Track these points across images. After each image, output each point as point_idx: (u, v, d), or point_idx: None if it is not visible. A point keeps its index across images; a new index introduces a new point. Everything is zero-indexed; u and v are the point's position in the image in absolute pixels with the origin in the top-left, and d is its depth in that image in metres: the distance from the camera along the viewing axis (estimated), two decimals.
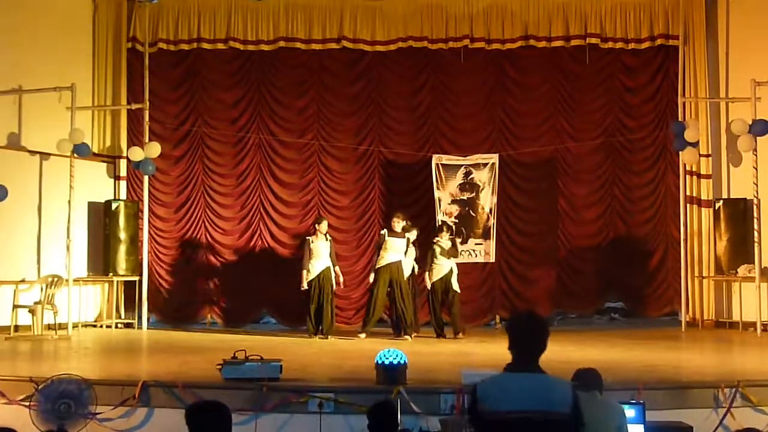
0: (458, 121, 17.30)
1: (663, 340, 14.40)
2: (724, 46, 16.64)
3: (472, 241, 16.20)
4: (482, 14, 17.02)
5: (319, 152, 17.23)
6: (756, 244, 15.44)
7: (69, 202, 15.43)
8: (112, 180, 17.18)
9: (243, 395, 9.12)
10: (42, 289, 15.15)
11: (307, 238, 15.15)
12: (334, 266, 14.97)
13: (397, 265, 14.71)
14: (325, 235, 14.99)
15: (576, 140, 17.05)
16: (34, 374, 9.71)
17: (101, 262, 16.53)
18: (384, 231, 15.00)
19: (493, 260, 16.44)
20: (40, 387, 8.67)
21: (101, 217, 16.49)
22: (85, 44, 17.07)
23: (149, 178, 16.77)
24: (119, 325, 16.55)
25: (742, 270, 15.72)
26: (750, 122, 15.31)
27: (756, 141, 15.24)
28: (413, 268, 15.10)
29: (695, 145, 15.94)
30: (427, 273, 14.97)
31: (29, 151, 15.83)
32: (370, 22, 17.06)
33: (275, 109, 17.35)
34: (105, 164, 17.11)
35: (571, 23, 16.88)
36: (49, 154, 15.79)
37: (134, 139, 16.98)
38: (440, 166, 16.40)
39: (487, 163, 16.37)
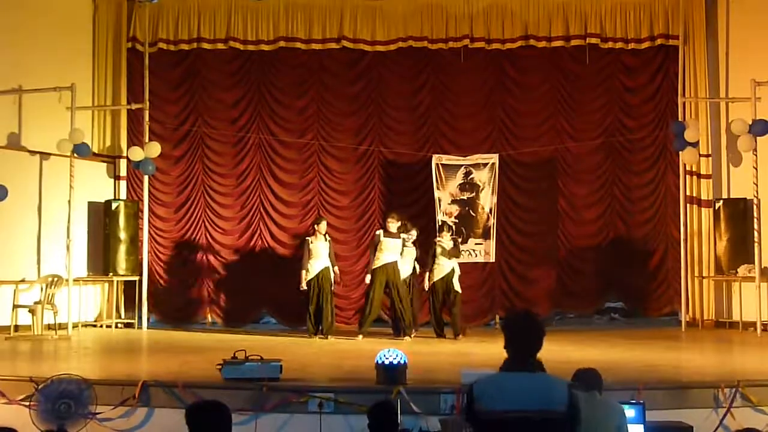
0: (458, 121, 17.30)
1: (663, 340, 14.41)
2: (724, 46, 16.65)
3: (472, 241, 16.17)
4: (482, 14, 17.02)
5: (319, 152, 17.23)
6: (756, 244, 15.45)
7: (69, 202, 15.44)
8: (112, 180, 17.18)
9: (243, 395, 9.11)
10: (42, 289, 15.15)
11: (307, 238, 15.16)
12: (333, 266, 14.98)
13: (393, 265, 14.70)
14: (324, 235, 14.99)
15: (576, 140, 17.06)
16: (34, 374, 9.70)
17: (101, 262, 16.54)
18: (379, 232, 15.02)
19: (493, 260, 16.43)
20: (40, 387, 8.63)
21: (101, 216, 16.50)
22: (85, 44, 17.08)
23: (149, 178, 16.78)
24: (119, 325, 16.55)
25: (742, 270, 15.72)
26: (750, 122, 15.32)
27: (756, 141, 15.25)
28: (415, 268, 15.12)
29: (695, 145, 15.95)
30: (427, 273, 14.97)
31: (29, 151, 15.82)
32: (370, 22, 17.06)
33: (275, 109, 17.35)
34: (105, 164, 17.12)
35: (571, 23, 16.89)
36: (49, 154, 15.79)
37: (134, 139, 16.98)
38: (440, 166, 16.40)
39: (487, 163, 16.36)
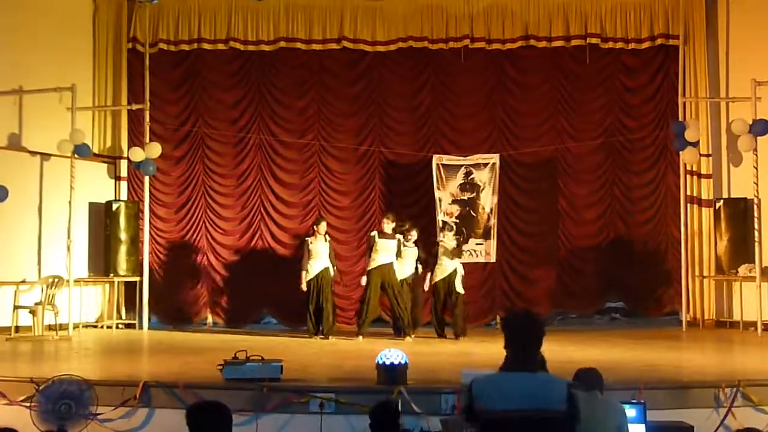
0: (459, 121, 17.31)
1: (664, 339, 14.42)
2: (724, 45, 16.67)
3: (472, 241, 16.16)
4: (482, 14, 17.03)
5: (319, 152, 17.24)
6: (756, 244, 15.48)
7: (70, 202, 15.43)
8: (113, 180, 17.19)
9: (244, 396, 9.12)
10: (43, 290, 15.16)
11: (306, 238, 15.18)
12: (333, 267, 15.00)
13: (389, 266, 14.72)
14: (324, 235, 15.01)
15: (576, 140, 17.06)
16: (34, 375, 9.69)
17: (102, 262, 16.55)
18: (374, 233, 15.05)
19: (494, 260, 16.44)
20: (40, 388, 8.66)
21: (102, 217, 16.51)
22: (85, 45, 17.08)
23: (150, 178, 16.79)
24: (120, 326, 16.56)
25: (743, 270, 15.74)
26: (750, 122, 15.32)
27: (756, 141, 15.26)
28: (417, 268, 15.10)
29: (695, 144, 15.97)
30: (429, 273, 14.99)
31: (30, 152, 15.82)
32: (371, 23, 17.07)
33: (276, 110, 17.36)
34: (105, 165, 17.12)
35: (571, 23, 16.90)
36: (50, 155, 15.79)
37: (135, 140, 16.99)
38: (441, 166, 16.41)
39: (487, 163, 16.37)
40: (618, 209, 17.08)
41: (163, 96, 17.21)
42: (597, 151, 17.08)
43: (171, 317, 17.00)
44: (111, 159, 17.15)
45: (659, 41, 16.85)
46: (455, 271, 14.91)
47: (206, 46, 17.16)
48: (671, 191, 16.83)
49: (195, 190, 17.27)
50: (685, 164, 16.35)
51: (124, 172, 17.16)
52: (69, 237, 15.46)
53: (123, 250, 16.40)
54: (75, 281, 15.47)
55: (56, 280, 15.21)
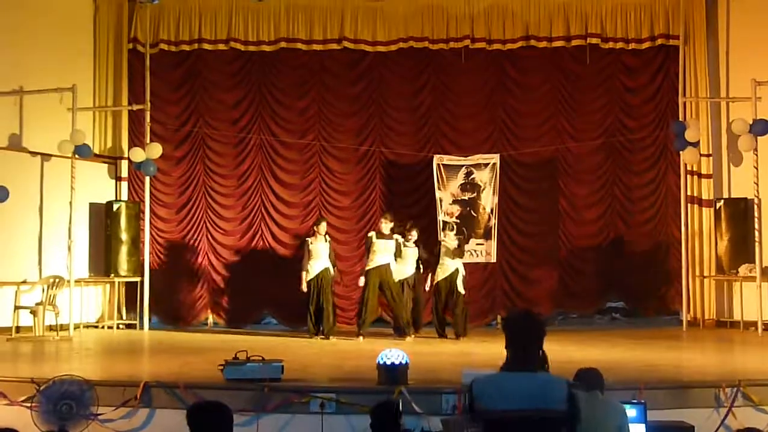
0: (459, 121, 17.33)
1: (664, 339, 14.45)
2: (724, 45, 16.69)
3: (473, 241, 16.18)
4: (483, 14, 17.04)
5: (320, 153, 17.26)
6: (757, 244, 15.50)
7: (70, 203, 15.43)
8: (114, 181, 17.21)
9: (244, 396, 9.14)
10: (43, 290, 15.18)
11: (306, 239, 15.21)
12: (333, 267, 15.03)
13: (387, 267, 14.76)
14: (324, 236, 15.03)
15: (577, 140, 17.09)
16: (35, 375, 9.71)
17: (103, 263, 16.56)
18: (371, 233, 15.08)
19: (495, 260, 16.46)
20: (41, 388, 8.70)
21: (102, 218, 16.52)
22: (86, 45, 17.11)
23: (150, 178, 16.79)
24: (121, 326, 16.57)
25: (743, 269, 15.75)
26: (750, 122, 15.35)
27: (756, 141, 15.29)
28: (419, 267, 15.13)
29: (696, 144, 16.00)
30: (431, 273, 15.02)
31: (30, 152, 15.83)
32: (371, 23, 17.09)
33: (276, 110, 17.38)
34: (106, 165, 17.14)
35: (571, 23, 16.92)
36: (51, 155, 15.80)
37: (135, 140, 17.01)
38: (441, 166, 16.45)
39: (488, 164, 16.40)
40: (618, 209, 17.10)
41: (163, 96, 17.23)
42: (597, 151, 17.10)
43: (171, 317, 17.01)
44: (112, 159, 17.16)
45: (659, 41, 16.87)
46: (457, 270, 14.90)
47: (207, 46, 17.18)
48: (671, 191, 16.86)
49: (196, 191, 17.29)
50: (686, 164, 16.37)
51: (124, 173, 17.17)
52: (70, 237, 15.46)
53: (124, 250, 16.40)
54: (76, 281, 15.49)
55: (57, 280, 15.23)
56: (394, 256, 14.83)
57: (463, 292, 14.89)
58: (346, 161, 17.32)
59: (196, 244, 17.21)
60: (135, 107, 16.81)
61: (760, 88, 15.38)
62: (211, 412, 5.59)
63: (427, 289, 15.15)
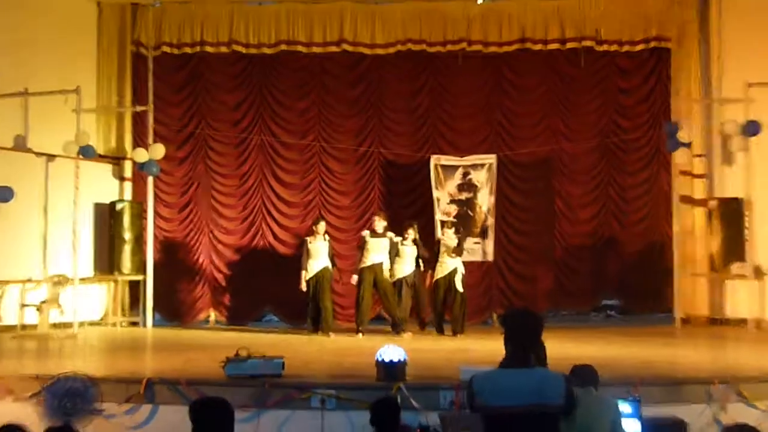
0: (456, 122, 17.41)
1: (658, 336, 14.46)
2: (716, 48, 16.71)
3: (470, 240, 16.18)
4: (480, 18, 17.07)
5: (320, 153, 17.33)
6: (748, 243, 15.59)
7: (75, 202, 15.50)
8: (117, 181, 17.26)
9: (246, 392, 9.21)
10: (48, 288, 15.26)
11: (305, 238, 15.30)
12: (333, 266, 15.13)
13: (380, 265, 14.87)
14: (323, 235, 15.12)
15: (572, 141, 17.17)
16: (40, 372, 9.82)
17: (106, 261, 16.59)
18: (365, 232, 15.17)
19: (491, 259, 16.53)
20: (46, 384, 8.40)
21: (106, 217, 16.58)
22: (90, 48, 17.14)
23: (153, 179, 16.87)
24: (124, 324, 16.65)
25: (735, 268, 15.80)
26: (742, 123, 15.45)
27: (748, 141, 15.38)
28: (419, 265, 15.19)
29: (688, 145, 16.07)
30: (431, 271, 15.10)
31: (36, 153, 15.80)
32: (370, 26, 17.13)
33: (277, 111, 17.46)
34: (110, 166, 17.18)
35: (566, 27, 16.96)
36: (55, 156, 15.81)
37: (139, 141, 17.06)
38: (439, 166, 16.51)
39: (484, 164, 16.48)
40: (612, 209, 17.19)
41: (166, 98, 17.30)
42: (592, 151, 17.19)
43: (174, 315, 17.06)
44: (115, 160, 17.20)
45: (652, 44, 16.97)
46: (456, 269, 14.98)
47: (209, 49, 17.21)
48: (664, 191, 16.94)
49: (198, 191, 17.34)
50: (678, 164, 16.45)
51: (128, 173, 17.22)
52: (74, 236, 15.50)
53: (127, 249, 16.47)
54: (80, 280, 15.56)
55: (62, 278, 15.32)
56: (389, 254, 14.91)
57: (461, 290, 14.94)
58: (346, 161, 17.38)
59: (198, 243, 17.27)
60: (138, 109, 16.87)
61: (751, 90, 15.47)
62: (213, 408, 5.67)
63: (427, 285, 15.23)
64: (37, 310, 15.02)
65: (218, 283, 17.26)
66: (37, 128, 15.91)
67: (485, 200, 16.40)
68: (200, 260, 17.28)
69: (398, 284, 15.08)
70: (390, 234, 14.96)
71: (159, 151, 16.55)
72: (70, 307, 15.28)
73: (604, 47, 17.05)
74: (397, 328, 14.89)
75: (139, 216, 16.73)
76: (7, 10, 15.54)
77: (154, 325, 16.59)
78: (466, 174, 16.51)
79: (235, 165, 17.43)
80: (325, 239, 15.13)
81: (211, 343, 13.89)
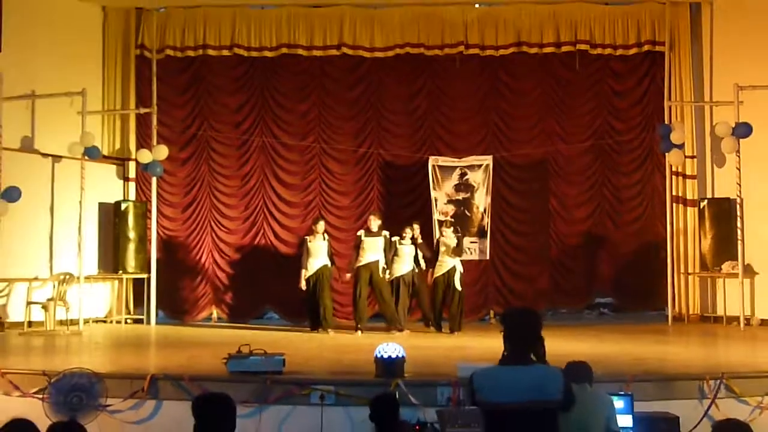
0: (454, 124, 17.51)
1: (651, 334, 14.54)
2: (708, 51, 16.86)
3: (467, 240, 16.21)
4: (476, 22, 17.19)
5: (320, 154, 17.42)
6: (739, 242, 15.62)
7: (80, 202, 15.56)
8: (122, 181, 17.38)
9: (248, 388, 9.22)
10: (54, 286, 15.36)
11: (305, 237, 15.39)
12: (332, 264, 15.26)
13: (375, 264, 14.94)
14: (323, 234, 15.19)
15: (566, 142, 17.29)
16: (46, 368, 9.79)
17: (111, 260, 16.73)
18: (360, 232, 15.25)
19: (488, 258, 16.59)
20: (52, 380, 8.82)
21: (111, 217, 16.69)
22: (95, 51, 17.26)
23: (157, 179, 16.98)
24: (128, 321, 16.76)
25: (726, 266, 15.98)
26: (733, 125, 15.51)
27: (739, 143, 15.45)
28: (419, 264, 15.27)
29: (681, 147, 16.20)
30: (431, 269, 15.17)
31: (42, 154, 15.95)
32: (369, 30, 17.23)
33: (278, 113, 17.54)
34: (114, 166, 17.30)
35: (561, 31, 17.08)
36: (61, 157, 15.95)
37: (142, 142, 17.16)
38: (436, 167, 16.57)
39: (481, 165, 16.54)
40: (607, 209, 17.30)
41: (169, 100, 17.38)
42: (586, 152, 17.29)
43: (177, 312, 17.16)
44: (120, 161, 17.33)
45: (646, 48, 17.09)
46: (454, 268, 15.00)
47: (211, 52, 17.31)
48: (657, 191, 17.05)
49: (200, 191, 17.43)
50: (671, 165, 16.61)
51: (132, 174, 17.33)
52: (79, 235, 15.58)
53: (131, 248, 16.58)
54: (85, 278, 15.61)
55: (67, 276, 15.42)
56: (387, 253, 14.98)
57: (459, 289, 14.96)
58: (345, 162, 17.47)
59: (200, 242, 17.36)
60: (142, 111, 17.00)
61: (742, 93, 15.55)
62: (215, 404, 5.70)
63: (425, 284, 15.32)
64: (44, 307, 15.12)
65: (220, 282, 17.35)
66: (44, 130, 16.07)
67: (482, 200, 16.46)
68: (203, 259, 17.36)
69: (396, 283, 15.14)
70: (385, 233, 15.03)
71: (162, 152, 16.66)
72: (75, 305, 15.35)
73: (599, 51, 17.16)
74: (390, 327, 14.99)
75: (142, 215, 16.84)
76: (15, 15, 15.57)
77: (158, 322, 16.64)
78: (463, 175, 16.57)
79: (236, 166, 17.51)
80: (324, 238, 15.19)
81: (214, 340, 13.95)
